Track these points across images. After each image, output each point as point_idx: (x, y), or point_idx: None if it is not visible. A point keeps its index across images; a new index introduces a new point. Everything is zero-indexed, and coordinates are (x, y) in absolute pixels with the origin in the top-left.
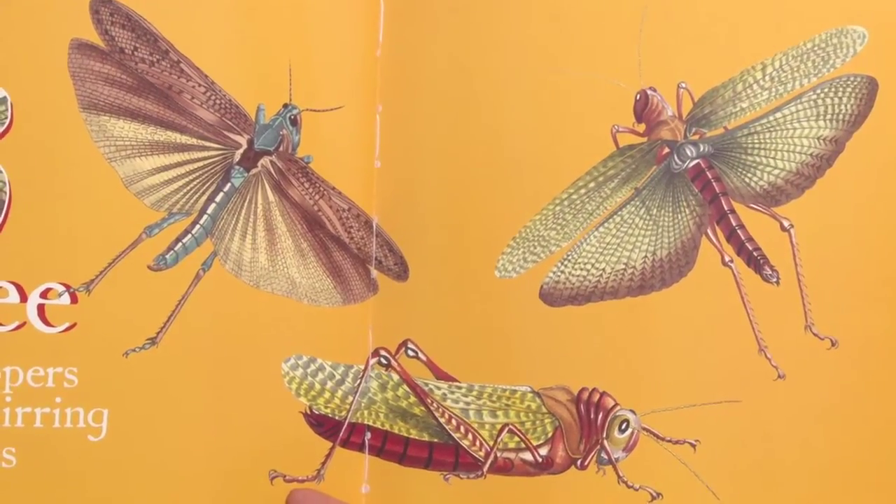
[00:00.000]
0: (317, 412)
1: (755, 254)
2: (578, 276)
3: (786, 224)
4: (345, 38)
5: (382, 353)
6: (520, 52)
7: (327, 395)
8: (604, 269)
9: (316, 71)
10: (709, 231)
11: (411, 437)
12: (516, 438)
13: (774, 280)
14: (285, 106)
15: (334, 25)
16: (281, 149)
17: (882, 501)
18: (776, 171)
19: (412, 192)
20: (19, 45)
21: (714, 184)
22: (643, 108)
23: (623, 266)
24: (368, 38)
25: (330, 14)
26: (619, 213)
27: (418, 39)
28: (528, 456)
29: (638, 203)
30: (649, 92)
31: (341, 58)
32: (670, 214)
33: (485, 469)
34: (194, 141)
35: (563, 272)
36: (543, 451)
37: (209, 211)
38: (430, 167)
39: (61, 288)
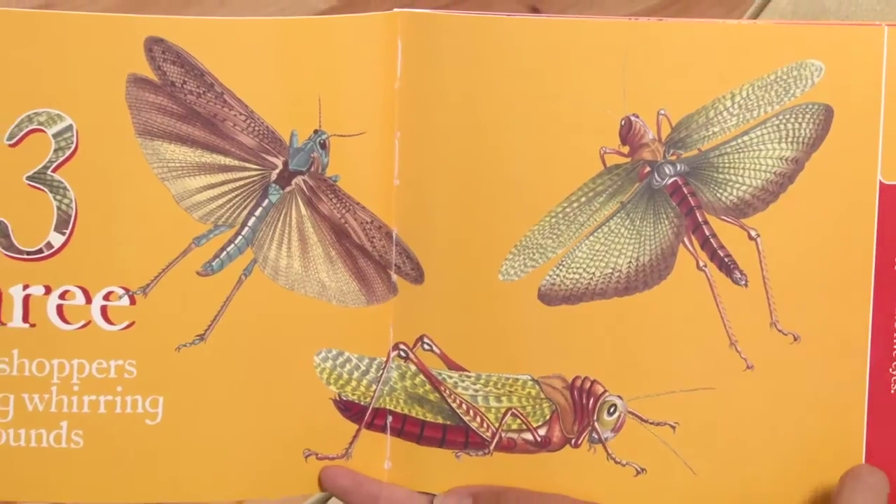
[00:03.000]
0: (345, 398)
1: (726, 259)
2: (572, 279)
3: (753, 233)
4: (367, 73)
5: (402, 346)
6: (520, 86)
7: (354, 383)
8: (594, 273)
9: (342, 102)
10: (685, 239)
11: (427, 420)
12: (518, 421)
13: (743, 282)
14: (316, 132)
15: (358, 62)
16: (312, 169)
17: (836, 475)
18: (744, 187)
19: (427, 207)
20: (83, 80)
21: (690, 198)
22: (627, 132)
23: (611, 270)
24: (388, 72)
25: (354, 52)
26: (607, 224)
27: (432, 74)
28: (528, 436)
29: (623, 215)
30: (632, 118)
31: (364, 90)
32: (651, 225)
33: (491, 447)
34: (236, 163)
35: (558, 276)
36: (542, 431)
37: (250, 223)
38: (443, 185)
39: (121, 291)
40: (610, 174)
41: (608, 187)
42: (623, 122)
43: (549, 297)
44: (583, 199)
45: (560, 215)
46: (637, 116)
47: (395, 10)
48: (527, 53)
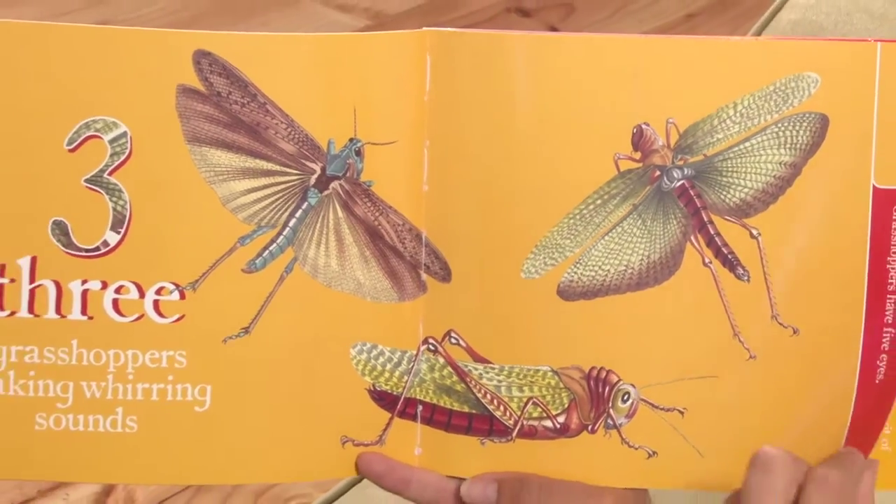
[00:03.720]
0: (379, 389)
1: (729, 256)
2: (588, 276)
3: (754, 232)
4: (398, 87)
5: (431, 340)
6: (540, 98)
7: (387, 374)
8: (608, 271)
9: (375, 113)
10: (692, 238)
11: (454, 409)
12: (539, 409)
13: (746, 278)
14: (351, 140)
15: (390, 76)
16: (348, 175)
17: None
18: (746, 190)
19: (454, 211)
20: (137, 90)
21: (696, 200)
22: (639, 140)
23: (624, 267)
24: (418, 86)
25: (387, 67)
26: (621, 224)
27: (458, 88)
28: (548, 423)
29: (635, 216)
30: (643, 126)
31: (396, 102)
32: (661, 225)
33: (514, 434)
34: (278, 168)
35: (576, 273)
36: (561, 419)
37: (290, 224)
38: (469, 191)
39: (172, 286)
40: (623, 178)
41: (622, 190)
42: (635, 130)
43: (567, 293)
44: (598, 202)
45: (577, 217)
46: (648, 125)
47: (425, 28)
48: (546, 68)
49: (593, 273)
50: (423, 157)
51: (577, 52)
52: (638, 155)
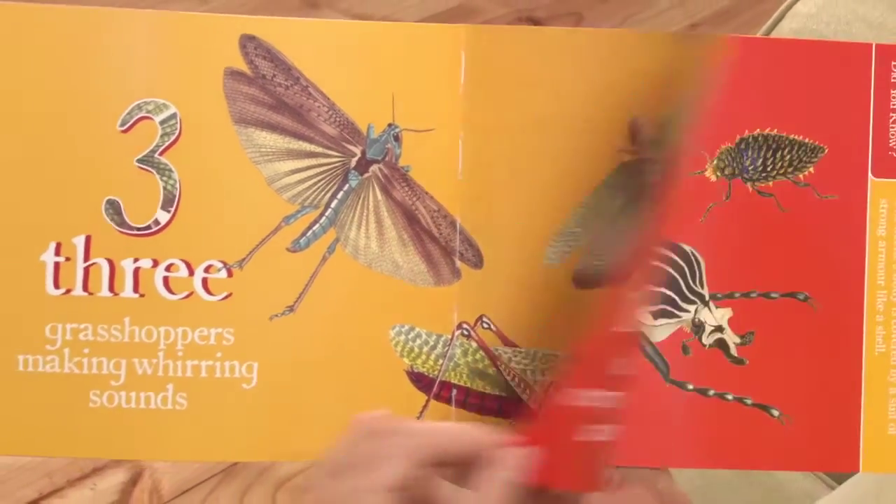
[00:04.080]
0: (416, 371)
1: None
2: (598, 264)
3: None
4: (435, 79)
5: (464, 325)
6: (565, 93)
7: (423, 357)
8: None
9: (412, 101)
10: None
11: (486, 392)
12: None
13: None
14: (390, 125)
15: (427, 68)
16: (387, 159)
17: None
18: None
19: (486, 200)
20: (186, 73)
21: None
22: (635, 133)
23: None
24: (452, 79)
25: (424, 59)
26: (623, 215)
27: (491, 82)
28: None
29: (634, 208)
30: (638, 120)
31: (431, 93)
32: None
33: None
34: (320, 150)
35: (588, 261)
36: None
37: (332, 206)
38: (500, 180)
39: (220, 264)
40: (621, 170)
41: (621, 182)
42: (631, 124)
43: (580, 280)
44: (603, 192)
45: (586, 206)
46: (643, 119)
47: (460, 24)
48: (574, 65)
49: (602, 262)
50: (458, 148)
51: (603, 46)
52: (635, 148)
